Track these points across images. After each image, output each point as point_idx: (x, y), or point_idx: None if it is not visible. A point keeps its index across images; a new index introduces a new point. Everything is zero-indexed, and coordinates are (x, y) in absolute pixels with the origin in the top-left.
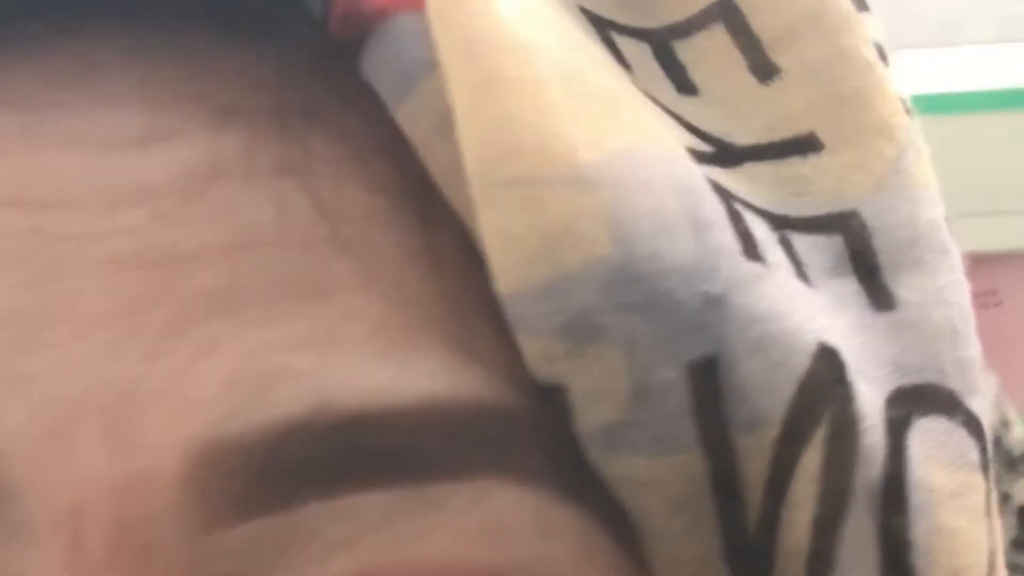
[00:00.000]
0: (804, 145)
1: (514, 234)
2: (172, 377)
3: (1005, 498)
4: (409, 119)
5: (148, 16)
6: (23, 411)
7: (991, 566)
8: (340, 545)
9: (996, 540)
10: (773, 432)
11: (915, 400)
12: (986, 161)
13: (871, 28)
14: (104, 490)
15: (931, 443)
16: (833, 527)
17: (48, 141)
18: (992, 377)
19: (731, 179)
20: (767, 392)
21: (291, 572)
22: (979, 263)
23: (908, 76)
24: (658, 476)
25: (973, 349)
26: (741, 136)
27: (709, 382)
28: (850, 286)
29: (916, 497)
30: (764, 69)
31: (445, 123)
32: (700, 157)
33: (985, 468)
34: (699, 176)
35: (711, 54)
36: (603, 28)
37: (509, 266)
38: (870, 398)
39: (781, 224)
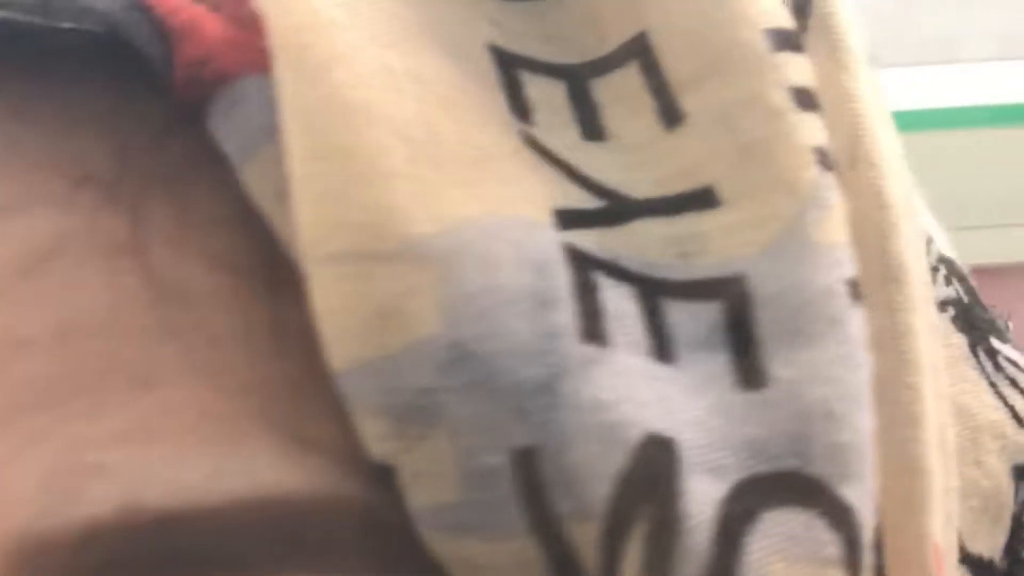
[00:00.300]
0: (701, 200)
1: (341, 311)
2: None
3: None
4: (254, 186)
5: (27, 71)
6: None
7: None
8: None
9: None
10: (599, 526)
11: (769, 490)
12: (987, 175)
13: (792, 70)
14: None
15: (778, 538)
16: None
17: None
18: None
19: (614, 239)
20: (590, 485)
21: None
22: (981, 276)
23: (909, 92)
24: (494, 560)
25: (853, 432)
26: (640, 187)
27: (534, 471)
28: (718, 361)
29: None
30: (670, 114)
31: (286, 192)
32: (579, 217)
33: (850, 562)
34: (554, 247)
35: (624, 95)
36: (512, 68)
37: (338, 343)
38: (704, 492)
39: (656, 291)
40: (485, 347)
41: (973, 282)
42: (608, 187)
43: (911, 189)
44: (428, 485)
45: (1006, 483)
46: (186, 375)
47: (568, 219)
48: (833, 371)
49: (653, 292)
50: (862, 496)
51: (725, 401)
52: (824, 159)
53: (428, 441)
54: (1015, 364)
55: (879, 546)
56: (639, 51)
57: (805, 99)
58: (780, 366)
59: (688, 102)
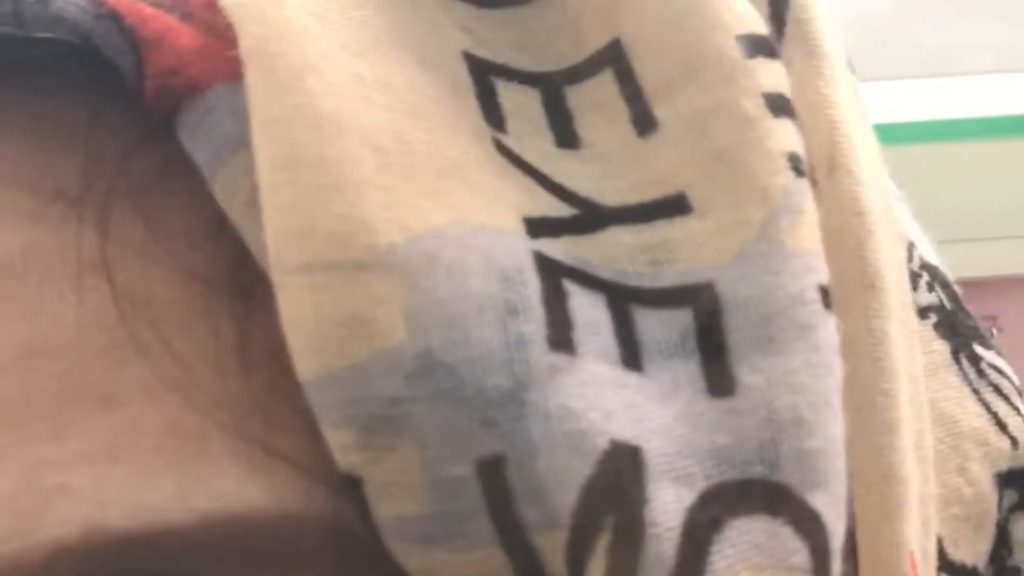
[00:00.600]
0: (672, 207)
1: (308, 321)
2: None
3: None
4: (224, 196)
5: (9, 81)
6: None
7: None
8: None
9: None
10: (564, 535)
11: (735, 498)
12: (985, 187)
13: (764, 77)
14: None
15: (744, 546)
16: None
17: None
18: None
19: (585, 247)
20: (556, 494)
21: None
22: (978, 288)
23: (908, 105)
24: (461, 571)
25: (823, 439)
26: (612, 195)
27: (501, 480)
28: (688, 368)
29: None
30: (644, 121)
31: (255, 201)
32: (550, 225)
33: (819, 570)
34: (523, 256)
35: (598, 102)
36: (486, 75)
37: (305, 354)
38: (669, 501)
39: (626, 298)
40: (453, 355)
41: (957, 289)
42: (581, 195)
43: (889, 195)
44: (395, 496)
45: (989, 490)
46: (151, 393)
47: (539, 227)
48: (802, 378)
49: (623, 300)
50: (831, 503)
51: (693, 409)
52: (797, 165)
53: (395, 452)
54: (998, 370)
55: (851, 553)
56: (613, 58)
57: (779, 105)
58: (749, 373)
59: (661, 109)
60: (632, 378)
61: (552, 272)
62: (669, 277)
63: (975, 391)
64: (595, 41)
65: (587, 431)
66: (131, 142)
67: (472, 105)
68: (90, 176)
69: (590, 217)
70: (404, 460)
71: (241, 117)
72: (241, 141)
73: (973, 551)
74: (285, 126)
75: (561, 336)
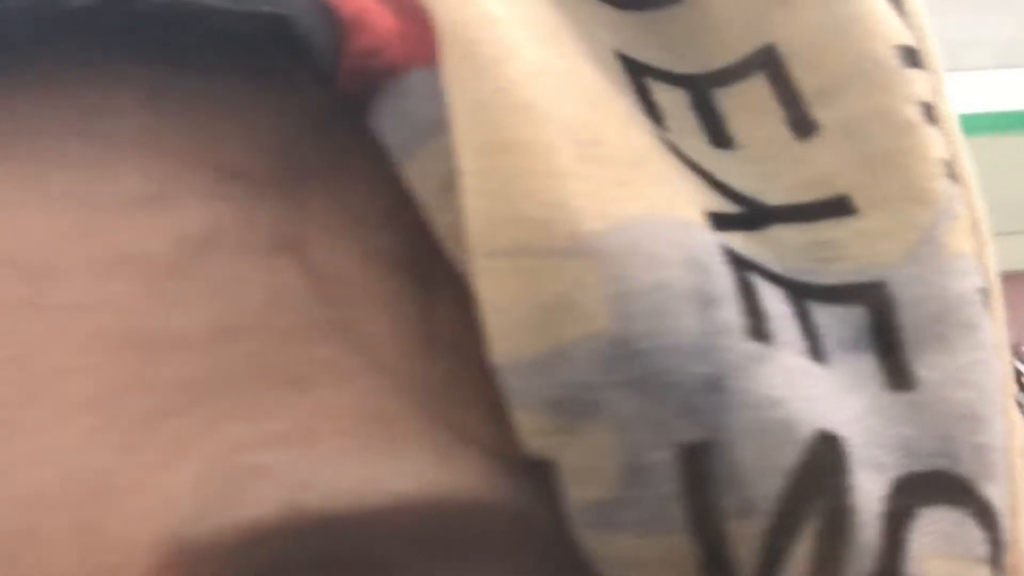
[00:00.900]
0: (836, 208)
1: (509, 305)
2: (146, 472)
3: None
4: (417, 180)
5: (163, 58)
6: None
7: None
8: None
9: None
10: (764, 522)
11: (924, 488)
12: (985, 182)
13: (918, 86)
14: None
15: (935, 535)
16: None
17: (48, 198)
18: None
19: (755, 243)
20: (759, 481)
21: None
22: None
23: None
24: (646, 557)
25: (993, 434)
26: (773, 195)
27: (701, 466)
28: (868, 363)
29: None
30: (802, 124)
31: (451, 186)
32: (723, 221)
33: (995, 561)
34: (713, 248)
35: (750, 105)
36: (640, 75)
37: (503, 337)
38: (871, 489)
39: (802, 293)
40: (652, 343)
41: None
42: (743, 193)
43: None
44: (587, 480)
45: None
46: (342, 376)
47: (717, 222)
48: (973, 375)
49: (800, 295)
50: (1001, 496)
51: (878, 402)
52: (951, 171)
53: (591, 436)
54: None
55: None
56: (766, 63)
57: (930, 114)
58: (926, 369)
59: (821, 113)
60: (820, 370)
61: (738, 265)
62: (838, 275)
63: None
64: (743, 46)
65: (792, 418)
66: (318, 122)
67: (635, 102)
68: (278, 155)
69: (755, 215)
70: (600, 445)
71: (439, 102)
72: (437, 126)
73: None
74: (488, 111)
75: (757, 326)
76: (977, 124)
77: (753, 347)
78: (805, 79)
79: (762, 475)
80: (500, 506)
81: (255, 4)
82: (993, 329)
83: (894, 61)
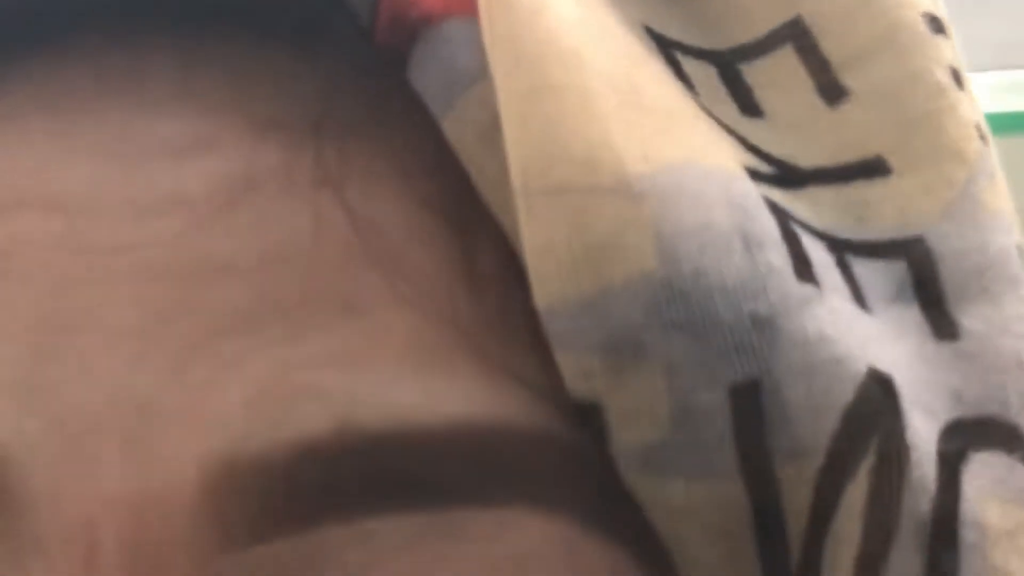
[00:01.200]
0: (871, 168)
1: (555, 245)
2: (193, 393)
3: None
4: (455, 129)
5: (197, 24)
6: (43, 421)
7: None
8: (358, 570)
9: None
10: (816, 462)
11: (974, 433)
12: None
13: (946, 51)
14: (119, 506)
15: (988, 479)
16: (877, 565)
17: (86, 147)
18: None
19: (792, 201)
20: (811, 420)
21: None
22: None
23: None
24: (695, 502)
25: None
26: (806, 159)
27: (751, 407)
28: (911, 314)
29: (968, 534)
30: (833, 91)
31: (491, 133)
32: (760, 177)
33: None
34: (754, 194)
35: (778, 76)
36: (667, 48)
37: (549, 279)
38: (923, 429)
39: (842, 248)
40: (702, 283)
41: None
42: (776, 156)
43: None
44: (637, 423)
45: None
46: (389, 304)
47: (754, 178)
48: (1017, 327)
49: (840, 249)
50: None
51: (924, 350)
52: (983, 133)
53: (640, 378)
54: None
55: None
56: (794, 35)
57: (960, 79)
58: (970, 320)
59: (851, 79)
60: (865, 316)
61: (780, 214)
62: (876, 232)
63: None
64: (769, 22)
65: (846, 357)
66: (350, 76)
67: (666, 68)
68: (309, 107)
69: (790, 176)
70: (649, 386)
71: (477, 50)
72: (475, 74)
73: None
74: (529, 58)
75: (805, 269)
76: None
77: (801, 288)
78: (834, 48)
79: (815, 414)
80: (553, 438)
81: None
82: None
83: (923, 27)
